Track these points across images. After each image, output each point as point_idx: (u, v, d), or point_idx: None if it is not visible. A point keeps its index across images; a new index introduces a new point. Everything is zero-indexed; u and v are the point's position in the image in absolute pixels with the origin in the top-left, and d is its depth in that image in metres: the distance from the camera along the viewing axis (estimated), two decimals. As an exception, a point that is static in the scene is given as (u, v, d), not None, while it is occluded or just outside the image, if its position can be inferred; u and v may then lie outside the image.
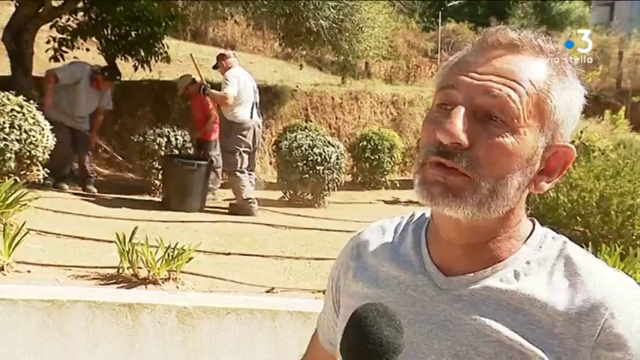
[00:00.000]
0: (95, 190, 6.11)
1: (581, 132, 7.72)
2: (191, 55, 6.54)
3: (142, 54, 8.54)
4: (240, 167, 5.66)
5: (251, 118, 5.73)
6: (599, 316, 0.69)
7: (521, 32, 0.72)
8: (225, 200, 6.18)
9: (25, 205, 4.07)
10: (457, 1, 20.15)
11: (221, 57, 5.89)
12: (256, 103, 5.84)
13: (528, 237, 0.77)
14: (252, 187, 5.81)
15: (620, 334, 0.68)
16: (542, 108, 0.71)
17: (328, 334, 0.96)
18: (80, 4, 7.85)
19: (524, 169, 0.71)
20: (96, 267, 3.48)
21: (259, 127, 5.98)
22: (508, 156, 0.69)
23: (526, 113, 0.69)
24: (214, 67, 6.08)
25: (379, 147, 7.69)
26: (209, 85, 5.90)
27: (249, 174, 5.79)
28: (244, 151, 5.69)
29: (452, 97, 0.71)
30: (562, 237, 0.79)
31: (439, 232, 0.78)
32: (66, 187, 5.94)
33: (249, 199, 5.66)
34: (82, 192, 6.04)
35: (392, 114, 9.84)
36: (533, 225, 0.79)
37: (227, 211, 5.72)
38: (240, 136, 5.63)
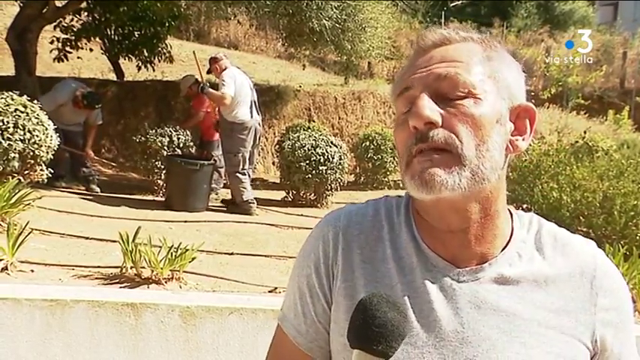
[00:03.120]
0: (98, 189, 6.12)
1: (585, 132, 7.71)
2: (194, 52, 6.52)
3: (145, 54, 8.59)
4: (242, 168, 5.67)
5: (251, 117, 5.74)
6: (597, 277, 0.78)
7: (447, 29, 0.80)
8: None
9: (28, 204, 4.08)
10: (460, 1, 20.12)
11: (213, 60, 5.87)
12: (254, 102, 5.84)
13: (511, 218, 0.82)
14: (250, 187, 5.81)
15: (613, 286, 0.79)
16: (491, 75, 0.76)
17: (316, 339, 0.85)
18: (84, 5, 7.88)
19: (498, 130, 0.75)
20: (99, 267, 3.48)
21: (259, 125, 5.99)
22: (478, 120, 0.73)
23: (477, 82, 0.74)
24: (208, 72, 6.05)
25: (382, 147, 7.68)
26: (207, 84, 5.89)
27: (250, 173, 5.80)
28: (246, 152, 5.70)
29: (411, 97, 0.76)
30: (530, 212, 0.86)
31: (436, 223, 0.78)
32: (62, 184, 5.95)
33: (249, 200, 5.67)
34: (85, 192, 6.06)
35: (394, 114, 9.82)
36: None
37: (229, 210, 5.72)
38: (242, 137, 5.63)
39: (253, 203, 5.69)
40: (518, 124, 0.79)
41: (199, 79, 6.18)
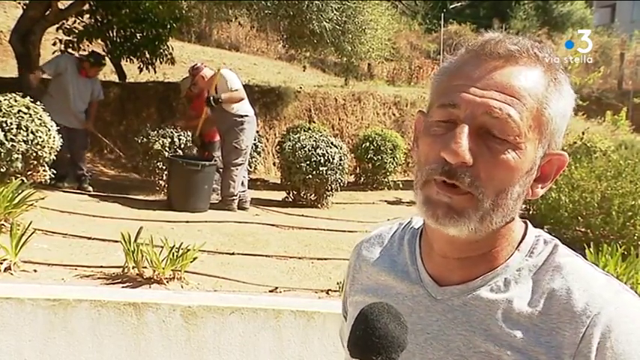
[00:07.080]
0: (90, 188, 6.09)
1: (583, 133, 7.74)
2: (218, 69, 6.07)
3: (147, 56, 8.61)
4: (242, 161, 5.73)
5: (253, 111, 5.83)
6: (580, 323, 0.68)
7: (519, 42, 0.73)
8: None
9: (31, 205, 4.11)
10: (459, 3, 20.16)
11: (197, 70, 5.87)
12: None
13: (520, 241, 0.77)
14: (241, 184, 5.84)
15: (604, 337, 0.67)
16: (541, 120, 0.72)
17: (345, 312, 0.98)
18: (86, 7, 7.90)
19: (523, 180, 0.72)
20: (101, 266, 3.51)
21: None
22: (510, 171, 0.70)
23: (526, 129, 0.70)
24: (193, 84, 5.98)
25: (382, 148, 7.72)
26: (213, 96, 5.79)
27: (247, 169, 5.86)
28: (250, 145, 5.78)
29: (453, 116, 0.71)
30: (554, 240, 0.78)
31: (433, 245, 0.79)
32: (65, 185, 5.98)
33: (233, 195, 5.70)
34: (86, 192, 6.06)
35: (394, 115, 9.87)
36: (526, 227, 0.79)
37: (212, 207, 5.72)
38: (250, 130, 5.71)
39: (235, 200, 5.73)
40: (544, 171, 0.75)
41: (210, 96, 5.75)
